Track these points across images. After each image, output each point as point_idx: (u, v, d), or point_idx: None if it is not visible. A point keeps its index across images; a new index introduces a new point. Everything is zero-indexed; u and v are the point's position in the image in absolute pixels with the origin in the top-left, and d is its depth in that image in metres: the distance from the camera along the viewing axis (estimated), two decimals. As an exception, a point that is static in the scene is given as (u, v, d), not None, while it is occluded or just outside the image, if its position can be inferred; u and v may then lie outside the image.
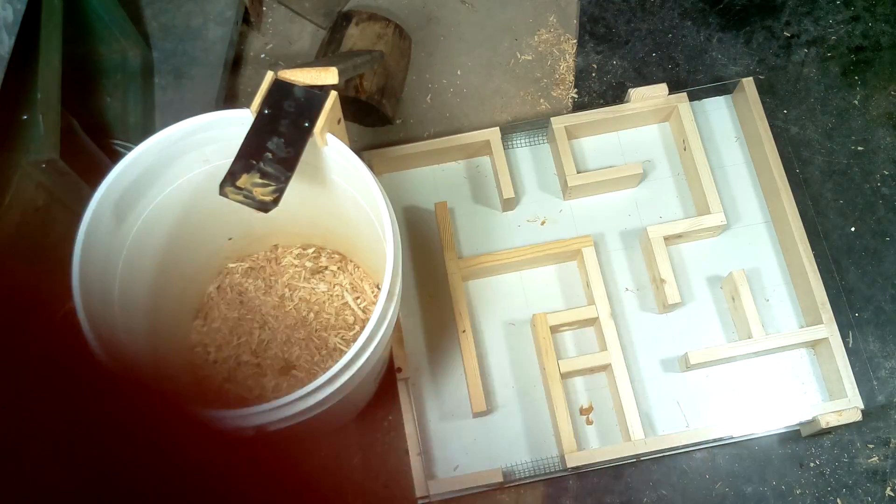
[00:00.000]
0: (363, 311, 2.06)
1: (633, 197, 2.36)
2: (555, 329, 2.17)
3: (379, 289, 1.90)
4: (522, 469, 2.11)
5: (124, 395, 1.12)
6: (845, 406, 2.07)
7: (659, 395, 2.17)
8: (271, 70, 1.56)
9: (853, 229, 2.34)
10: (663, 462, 2.15)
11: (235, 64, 2.55)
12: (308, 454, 2.00)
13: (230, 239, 2.02)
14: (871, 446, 2.16)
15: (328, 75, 1.54)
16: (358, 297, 2.08)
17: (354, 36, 2.39)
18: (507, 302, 2.28)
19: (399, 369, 2.10)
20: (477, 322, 2.25)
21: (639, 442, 2.05)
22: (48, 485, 1.08)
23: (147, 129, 2.27)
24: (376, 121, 2.46)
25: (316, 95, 1.53)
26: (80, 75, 2.17)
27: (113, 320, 1.59)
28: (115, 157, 2.11)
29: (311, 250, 2.13)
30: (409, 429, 2.10)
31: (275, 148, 1.50)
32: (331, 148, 1.57)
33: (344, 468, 2.17)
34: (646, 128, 2.43)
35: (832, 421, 2.05)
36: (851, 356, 2.13)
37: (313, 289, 2.08)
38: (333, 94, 1.54)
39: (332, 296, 2.08)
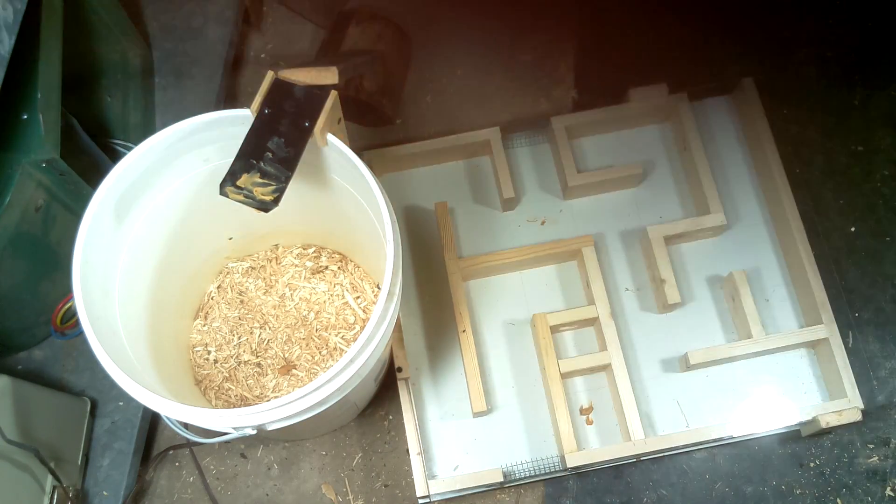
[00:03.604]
0: (363, 311, 2.06)
1: (633, 197, 2.36)
2: (554, 329, 2.18)
3: (379, 288, 1.90)
4: (522, 469, 2.11)
5: None
6: (845, 406, 2.07)
7: (659, 395, 2.18)
8: (272, 70, 1.56)
9: (853, 229, 2.34)
10: (664, 462, 2.16)
11: (236, 64, 2.55)
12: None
13: (230, 238, 2.02)
14: (870, 446, 2.16)
15: (328, 75, 1.54)
16: (358, 297, 2.08)
17: (354, 35, 2.38)
18: (507, 301, 2.28)
19: (399, 369, 2.11)
20: (477, 322, 2.25)
21: (638, 442, 2.04)
22: None
23: (147, 129, 2.27)
24: (376, 120, 2.46)
25: (316, 95, 1.53)
26: (80, 75, 2.17)
27: (114, 319, 1.59)
28: (116, 156, 2.12)
29: (311, 250, 2.13)
30: (410, 428, 2.10)
31: (275, 148, 1.50)
32: (331, 148, 1.57)
33: (344, 468, 2.17)
34: (646, 128, 2.43)
35: (832, 421, 2.05)
36: (851, 356, 2.13)
37: (314, 288, 2.08)
38: (334, 93, 1.54)
39: (332, 295, 2.08)
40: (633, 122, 2.40)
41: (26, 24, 1.62)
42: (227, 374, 2.03)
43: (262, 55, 2.60)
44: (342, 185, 1.72)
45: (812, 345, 2.18)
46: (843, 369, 2.10)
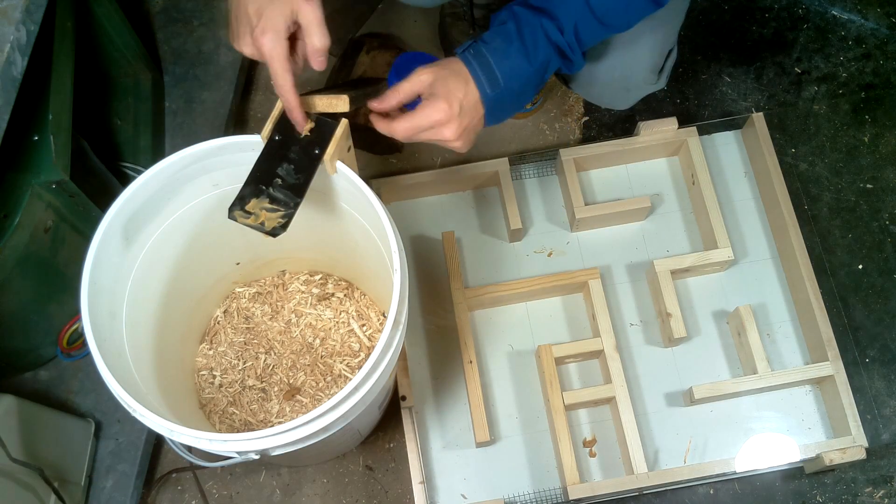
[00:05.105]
0: (369, 339, 2.06)
1: (640, 230, 2.36)
2: (559, 361, 2.17)
3: (385, 317, 1.90)
4: (524, 500, 2.11)
5: None
6: (849, 444, 2.07)
7: (663, 429, 2.17)
8: (283, 96, 1.57)
9: (860, 267, 2.34)
10: (665, 496, 2.15)
11: (246, 89, 2.56)
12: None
13: (238, 263, 2.03)
14: (874, 484, 2.15)
15: (340, 103, 1.54)
16: (364, 325, 2.08)
17: (365, 64, 2.39)
18: (513, 332, 2.28)
19: (403, 397, 2.11)
20: (482, 351, 2.25)
21: (641, 475, 2.04)
22: None
23: (157, 153, 2.27)
24: (385, 149, 2.47)
25: (327, 123, 1.53)
26: (91, 97, 2.18)
27: (120, 341, 1.59)
28: (125, 179, 2.12)
29: (318, 277, 2.13)
30: (413, 457, 2.09)
31: (285, 174, 1.50)
32: (340, 175, 1.57)
33: (346, 495, 2.17)
34: (655, 161, 2.43)
35: (836, 458, 2.05)
36: (856, 394, 2.13)
37: (319, 315, 2.08)
38: (344, 122, 1.54)
39: (338, 322, 2.08)
40: (642, 156, 2.41)
41: (39, 46, 1.63)
42: (231, 399, 2.03)
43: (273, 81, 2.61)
44: (350, 213, 1.72)
45: (817, 381, 2.18)
46: (848, 407, 2.09)
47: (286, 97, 1.47)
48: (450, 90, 1.51)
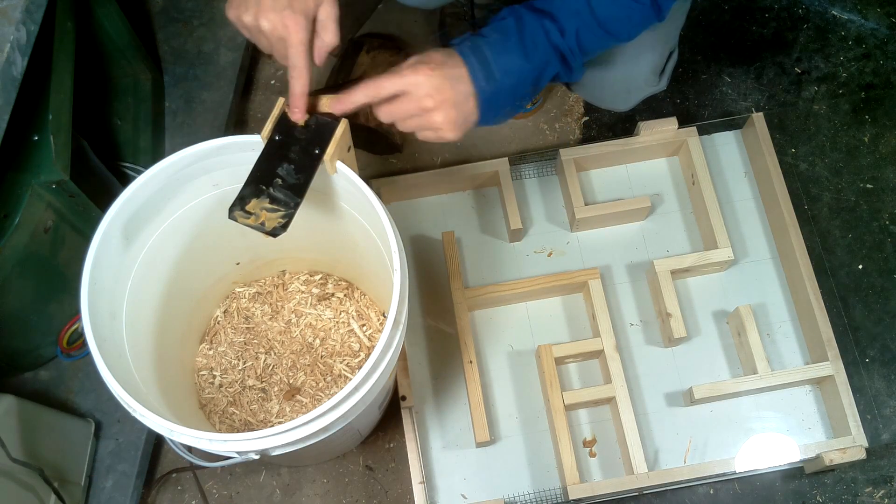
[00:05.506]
0: (369, 339, 2.06)
1: (640, 230, 2.36)
2: (559, 361, 2.17)
3: (385, 317, 1.89)
4: (524, 500, 2.10)
5: None
6: (849, 444, 2.07)
7: (663, 429, 2.17)
8: (283, 97, 1.56)
9: (861, 267, 2.34)
10: (666, 496, 2.15)
11: (246, 89, 2.55)
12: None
13: (238, 263, 2.02)
14: (874, 484, 2.15)
15: (340, 103, 1.54)
16: (364, 325, 2.07)
17: (365, 64, 2.39)
18: (513, 332, 2.28)
19: (403, 397, 2.10)
20: (482, 351, 2.25)
21: (641, 475, 2.04)
22: None
23: (157, 153, 2.27)
24: (385, 149, 2.47)
25: (327, 123, 1.53)
26: (91, 98, 2.18)
27: (120, 341, 1.59)
28: (125, 179, 2.12)
29: (318, 277, 2.13)
30: (413, 457, 2.09)
31: (285, 174, 1.50)
32: (340, 175, 1.56)
33: (346, 495, 2.17)
34: (655, 161, 2.43)
35: (836, 458, 2.04)
36: (856, 394, 2.12)
37: (319, 315, 2.08)
38: (344, 122, 1.54)
39: (338, 322, 2.08)
40: (642, 156, 2.41)
41: (39, 46, 1.63)
42: (231, 399, 2.03)
43: (273, 81, 2.60)
44: (350, 213, 1.72)
45: (817, 381, 2.18)
46: (848, 407, 2.09)
47: (300, 80, 1.46)
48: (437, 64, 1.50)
